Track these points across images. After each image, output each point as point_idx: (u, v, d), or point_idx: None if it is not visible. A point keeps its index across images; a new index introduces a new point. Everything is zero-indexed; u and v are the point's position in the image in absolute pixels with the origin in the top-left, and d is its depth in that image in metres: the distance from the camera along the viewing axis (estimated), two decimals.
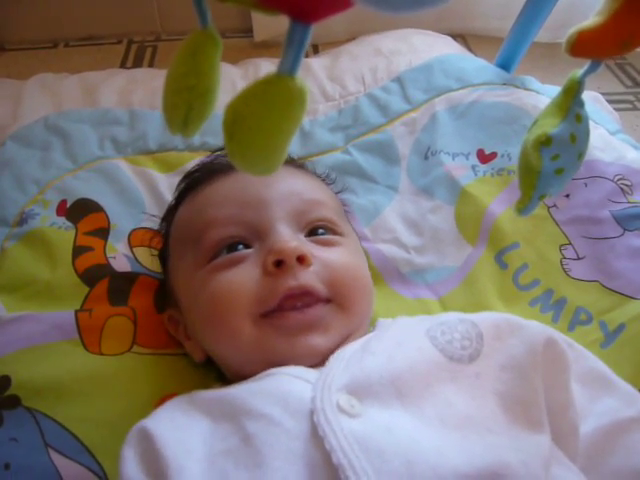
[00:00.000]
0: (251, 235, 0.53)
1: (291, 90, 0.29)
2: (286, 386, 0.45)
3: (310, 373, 0.46)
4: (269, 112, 0.29)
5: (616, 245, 0.68)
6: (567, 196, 0.72)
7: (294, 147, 0.79)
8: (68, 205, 0.71)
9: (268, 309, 0.49)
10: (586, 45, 0.40)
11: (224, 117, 0.29)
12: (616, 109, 0.97)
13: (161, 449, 0.41)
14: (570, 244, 0.69)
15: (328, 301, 0.51)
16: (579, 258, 0.69)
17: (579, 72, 0.45)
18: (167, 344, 0.61)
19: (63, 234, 0.68)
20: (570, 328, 0.64)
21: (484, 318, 0.50)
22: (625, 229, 0.69)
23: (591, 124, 0.77)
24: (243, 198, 0.54)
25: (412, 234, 0.72)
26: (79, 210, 0.70)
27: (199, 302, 0.52)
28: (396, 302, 0.67)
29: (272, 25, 1.08)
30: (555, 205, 0.72)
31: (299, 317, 0.49)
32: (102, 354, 0.60)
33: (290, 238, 0.51)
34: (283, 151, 0.31)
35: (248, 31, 1.11)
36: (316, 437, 0.39)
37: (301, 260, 0.49)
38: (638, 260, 0.67)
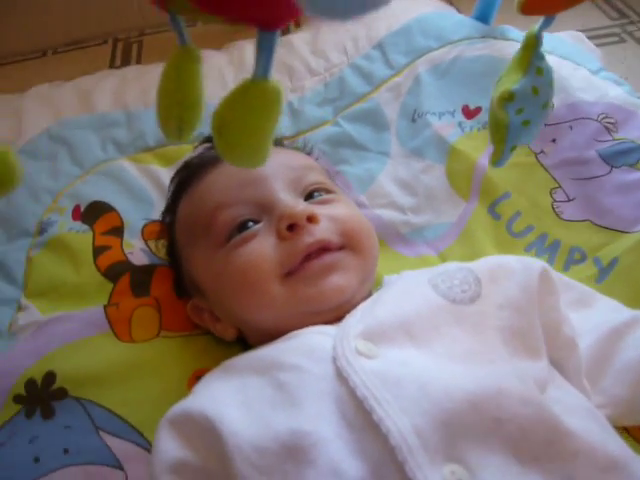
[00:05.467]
0: (257, 211, 0.59)
1: (267, 92, 0.35)
2: (309, 340, 0.52)
3: (329, 329, 0.53)
4: (250, 114, 0.35)
5: (604, 183, 0.74)
6: (554, 141, 0.77)
7: (286, 125, 0.86)
8: (82, 209, 0.78)
9: (292, 268, 0.56)
10: (535, 4, 0.46)
11: (212, 122, 0.36)
12: (602, 44, 1.02)
13: (197, 412, 0.49)
14: (560, 187, 0.75)
15: (342, 248, 0.58)
16: (569, 200, 0.74)
17: (535, 28, 0.50)
18: (192, 326, 0.69)
19: (81, 237, 0.75)
20: (565, 268, 0.70)
21: (479, 265, 0.58)
22: (612, 166, 0.74)
23: (572, 65, 0.83)
24: (241, 179, 0.60)
25: (407, 195, 0.78)
26: (93, 212, 0.78)
27: (225, 278, 0.59)
28: (399, 262, 0.74)
29: None
30: (543, 151, 0.77)
31: (318, 263, 0.56)
32: (134, 341, 0.68)
33: (295, 203, 0.58)
34: (266, 145, 0.37)
35: None
36: (341, 378, 0.46)
37: (311, 219, 0.57)
38: (626, 195, 0.72)
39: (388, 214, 0.77)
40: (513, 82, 0.49)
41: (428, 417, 0.43)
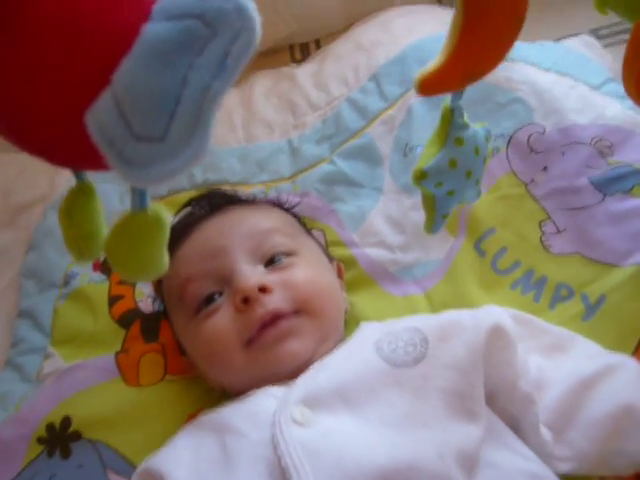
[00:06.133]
0: (220, 283, 0.65)
1: (144, 222, 0.40)
2: (259, 404, 0.58)
3: (280, 390, 0.58)
4: (131, 244, 0.40)
5: (596, 213, 0.72)
6: (545, 169, 0.76)
7: (285, 165, 0.90)
8: (101, 260, 0.87)
9: (250, 337, 0.62)
10: (432, 85, 0.47)
11: (104, 249, 0.41)
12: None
13: (155, 469, 0.57)
14: (550, 219, 0.74)
15: (297, 313, 0.63)
16: (559, 232, 0.73)
17: (449, 100, 0.51)
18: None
19: (99, 288, 0.84)
20: (551, 306, 0.70)
21: (430, 322, 0.60)
22: (605, 194, 0.72)
23: (570, 83, 0.80)
24: (205, 252, 0.66)
25: (396, 233, 0.80)
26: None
27: (196, 348, 0.67)
28: (386, 302, 0.76)
29: (270, 33, 1.16)
30: (533, 180, 0.76)
31: (273, 331, 0.61)
32: (140, 386, 0.76)
33: (250, 275, 0.63)
34: (154, 265, 0.42)
35: None
36: (273, 444, 0.52)
37: (263, 290, 0.62)
38: (619, 225, 0.70)
39: (377, 253, 0.79)
40: (428, 158, 0.51)
41: None
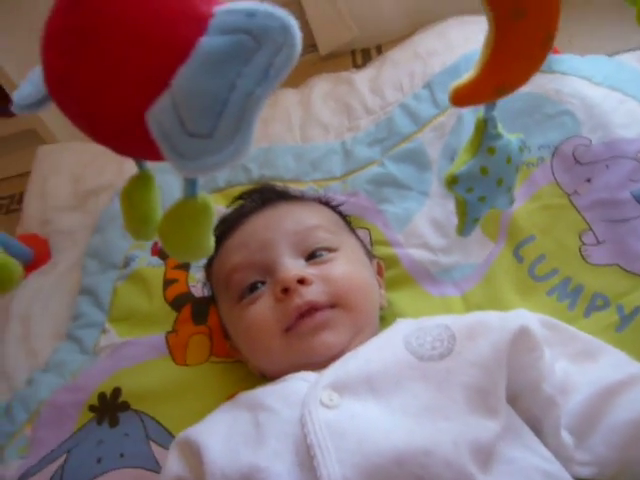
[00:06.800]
0: (263, 273, 0.71)
1: (194, 208, 0.46)
2: (291, 386, 0.64)
3: (312, 376, 0.64)
4: (181, 227, 0.47)
5: (637, 225, 0.74)
6: (589, 180, 0.78)
7: (337, 165, 0.95)
8: (159, 246, 0.94)
9: (289, 325, 0.67)
10: (464, 97, 0.52)
11: (157, 232, 0.48)
12: None
13: (193, 439, 0.62)
14: (590, 229, 0.76)
15: (333, 306, 0.68)
16: (599, 243, 0.75)
17: (481, 113, 0.55)
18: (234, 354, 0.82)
19: (156, 271, 0.92)
20: (586, 315, 0.72)
21: (459, 321, 0.64)
22: None
23: (619, 97, 0.83)
24: (252, 244, 0.73)
25: (439, 236, 0.84)
26: None
27: (239, 332, 0.73)
28: (424, 302, 0.80)
29: (333, 38, 1.23)
30: (576, 192, 0.79)
31: (310, 322, 0.66)
32: (186, 365, 0.83)
33: (291, 267, 0.69)
34: (200, 247, 0.48)
35: (314, 45, 1.27)
36: (302, 423, 0.57)
37: (302, 282, 0.68)
38: None
39: (419, 254, 0.83)
40: (461, 164, 0.54)
41: (358, 469, 0.52)
